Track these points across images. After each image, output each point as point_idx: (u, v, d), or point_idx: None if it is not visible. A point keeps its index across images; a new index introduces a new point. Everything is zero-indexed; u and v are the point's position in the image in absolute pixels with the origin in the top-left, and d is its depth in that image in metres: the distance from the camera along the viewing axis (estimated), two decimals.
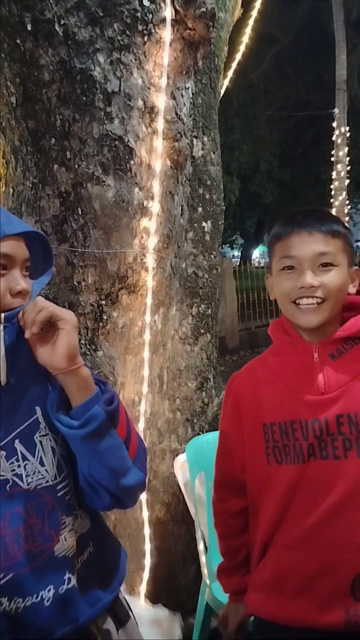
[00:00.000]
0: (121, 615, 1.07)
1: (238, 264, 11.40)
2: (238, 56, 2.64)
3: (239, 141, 12.41)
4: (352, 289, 1.16)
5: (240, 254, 24.76)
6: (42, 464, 0.94)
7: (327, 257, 1.10)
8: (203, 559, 1.98)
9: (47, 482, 0.95)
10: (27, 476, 0.93)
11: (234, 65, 2.61)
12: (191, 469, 1.99)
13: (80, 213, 1.83)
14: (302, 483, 1.14)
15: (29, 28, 1.70)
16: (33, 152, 1.85)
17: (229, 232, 21.74)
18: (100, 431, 0.92)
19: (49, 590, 0.92)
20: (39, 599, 0.91)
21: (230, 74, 2.65)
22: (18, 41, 1.72)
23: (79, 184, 1.81)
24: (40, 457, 0.94)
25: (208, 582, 1.91)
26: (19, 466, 0.93)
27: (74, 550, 0.97)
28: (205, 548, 1.97)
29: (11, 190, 1.95)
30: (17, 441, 0.93)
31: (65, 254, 1.84)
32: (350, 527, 1.10)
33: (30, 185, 1.88)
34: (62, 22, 1.69)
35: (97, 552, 1.03)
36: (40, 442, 0.95)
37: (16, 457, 0.93)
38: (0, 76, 1.84)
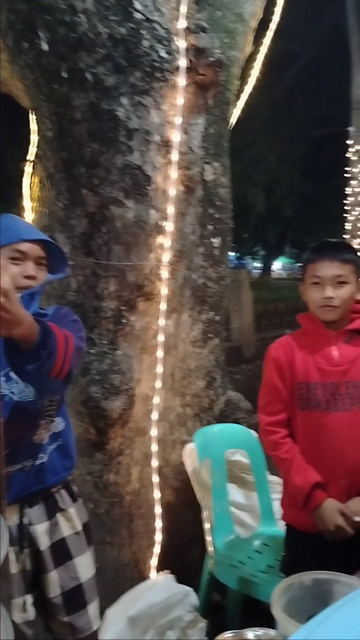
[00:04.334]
0: (72, 494, 1.57)
1: (259, 275, 11.59)
2: (248, 88, 2.93)
3: (265, 153, 12.65)
4: (358, 296, 1.63)
5: (262, 265, 24.89)
6: (27, 386, 1.40)
7: (342, 278, 1.58)
8: (209, 537, 2.24)
9: (30, 398, 1.41)
10: (18, 393, 1.40)
11: (245, 96, 2.90)
12: (200, 456, 2.26)
13: (104, 231, 2.14)
14: (320, 426, 1.61)
15: (64, 75, 2.02)
16: (65, 179, 2.16)
17: (251, 243, 21.89)
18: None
19: (28, 462, 1.43)
20: (22, 466, 1.42)
21: (241, 103, 2.94)
22: (55, 86, 2.05)
23: (103, 206, 2.12)
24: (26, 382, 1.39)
25: (213, 555, 2.17)
26: (12, 386, 1.39)
27: (47, 441, 1.48)
28: (211, 527, 2.23)
29: (46, 210, 2.27)
30: (11, 372, 1.37)
31: (91, 266, 2.15)
32: (355, 458, 1.60)
33: (62, 206, 2.20)
34: (93, 70, 2.01)
35: (65, 445, 1.54)
36: None
37: (11, 381, 1.39)
38: (38, 114, 2.17)
